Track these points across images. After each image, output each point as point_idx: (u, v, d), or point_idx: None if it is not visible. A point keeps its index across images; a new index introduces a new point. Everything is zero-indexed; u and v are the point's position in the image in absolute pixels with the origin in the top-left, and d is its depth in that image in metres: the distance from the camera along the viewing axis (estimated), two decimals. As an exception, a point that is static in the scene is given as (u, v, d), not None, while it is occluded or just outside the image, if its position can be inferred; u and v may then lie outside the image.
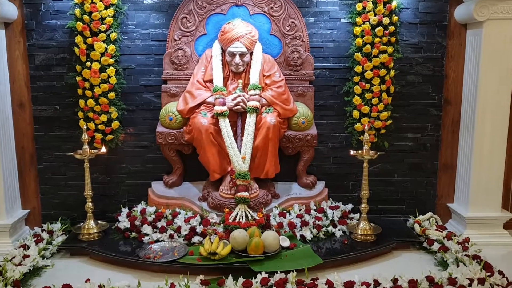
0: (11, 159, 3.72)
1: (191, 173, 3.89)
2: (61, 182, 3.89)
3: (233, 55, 3.52)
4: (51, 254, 3.40)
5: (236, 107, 3.53)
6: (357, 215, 3.73)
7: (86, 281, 2.85)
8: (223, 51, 3.61)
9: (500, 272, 2.90)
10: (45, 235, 3.54)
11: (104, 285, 2.79)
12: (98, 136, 3.73)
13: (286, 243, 3.31)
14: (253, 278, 2.86)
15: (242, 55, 3.52)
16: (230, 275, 2.87)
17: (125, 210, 3.72)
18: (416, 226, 3.70)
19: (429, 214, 3.86)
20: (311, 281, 2.82)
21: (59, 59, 3.71)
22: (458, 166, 3.95)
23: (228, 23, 3.55)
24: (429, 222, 3.77)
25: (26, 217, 3.85)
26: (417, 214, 3.90)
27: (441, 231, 3.58)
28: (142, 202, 3.80)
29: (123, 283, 2.84)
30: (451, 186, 4.02)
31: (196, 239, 3.38)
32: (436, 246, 3.39)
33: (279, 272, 2.90)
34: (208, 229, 3.36)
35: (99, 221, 3.64)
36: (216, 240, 3.16)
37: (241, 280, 2.81)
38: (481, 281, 2.78)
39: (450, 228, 3.82)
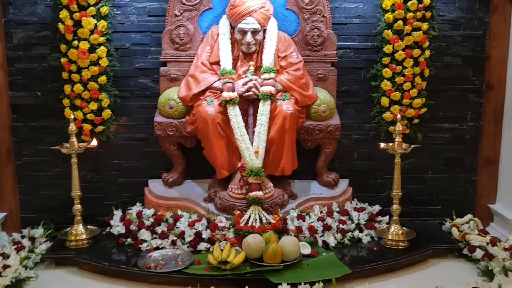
0: (-15, 154, 3.69)
1: (194, 170, 3.87)
2: (43, 180, 3.87)
3: (244, 32, 3.48)
4: (34, 264, 3.36)
5: (247, 93, 3.50)
6: (386, 218, 3.74)
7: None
8: (232, 28, 3.58)
9: (557, 282, 2.89)
10: (26, 242, 3.49)
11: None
12: (87, 127, 3.70)
13: (307, 250, 3.29)
14: (272, 290, 2.84)
15: (254, 32, 3.48)
16: (247, 287, 2.86)
17: (118, 213, 3.70)
18: (454, 231, 3.69)
19: (469, 216, 3.86)
20: (341, 294, 2.81)
21: (41, 38, 3.67)
22: (501, 161, 3.96)
23: (239, -5, 3.52)
24: (469, 226, 3.76)
25: (2, 221, 3.81)
26: (454, 216, 3.90)
27: (484, 236, 3.56)
28: (138, 203, 3.78)
29: (121, 296, 2.82)
30: (493, 184, 4.02)
31: (202, 246, 3.35)
32: (479, 253, 3.37)
33: (303, 283, 2.89)
34: (217, 235, 3.35)
35: (88, 226, 3.60)
36: (227, 247, 3.14)
37: (259, 292, 2.80)
38: (536, 293, 2.76)
39: (492, 232, 3.80)
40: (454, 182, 4.04)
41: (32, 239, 3.56)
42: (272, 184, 3.61)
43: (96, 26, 3.55)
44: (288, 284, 2.87)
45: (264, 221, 3.41)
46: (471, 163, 4.02)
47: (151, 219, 3.54)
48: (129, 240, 3.48)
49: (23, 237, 3.60)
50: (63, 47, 3.57)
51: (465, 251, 3.47)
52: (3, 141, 3.78)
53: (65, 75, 3.62)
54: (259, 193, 3.44)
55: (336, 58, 3.77)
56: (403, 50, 3.68)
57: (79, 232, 3.51)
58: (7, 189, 3.84)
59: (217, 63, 3.58)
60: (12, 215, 3.87)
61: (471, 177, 4.04)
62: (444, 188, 4.04)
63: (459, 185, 4.04)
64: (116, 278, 3.20)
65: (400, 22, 3.63)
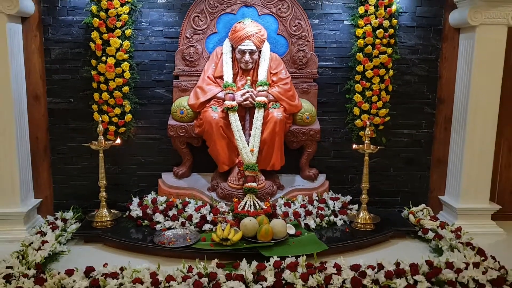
0: (26, 149, 3.73)
1: (200, 165, 3.94)
2: (74, 172, 3.92)
3: (243, 52, 3.61)
4: (66, 241, 3.42)
5: (245, 102, 3.61)
6: (356, 206, 3.85)
7: (104, 265, 2.89)
8: (233, 49, 3.69)
9: (493, 257, 3.06)
10: (59, 223, 3.57)
11: (125, 268, 2.86)
12: (112, 128, 3.77)
13: (292, 230, 3.41)
14: (265, 261, 2.94)
15: (251, 53, 3.61)
16: (244, 259, 2.95)
17: (136, 200, 3.77)
18: (411, 217, 3.83)
19: (422, 205, 4.02)
20: (320, 265, 2.93)
21: (75, 54, 3.74)
22: (449, 161, 4.09)
23: (239, 22, 3.64)
24: (423, 213, 3.91)
25: (38, 206, 3.86)
26: (411, 205, 4.03)
27: (435, 221, 3.73)
28: (152, 192, 3.85)
29: (143, 265, 2.90)
30: (443, 180, 4.15)
31: (206, 226, 3.45)
32: (431, 235, 3.51)
33: (290, 256, 3.00)
34: (218, 217, 3.46)
35: (111, 210, 3.68)
36: (228, 227, 3.25)
37: (254, 263, 2.90)
38: (476, 264, 2.92)
39: (441, 218, 3.94)
40: (411, 178, 4.16)
41: (64, 220, 3.64)
42: (264, 177, 3.71)
43: (121, 45, 3.63)
44: (278, 257, 2.97)
45: (258, 207, 3.51)
46: (425, 163, 4.14)
47: (164, 205, 3.64)
48: (145, 221, 3.56)
49: (56, 219, 3.67)
50: (93, 62, 3.65)
51: (420, 233, 3.60)
52: (41, 139, 3.83)
53: (94, 85, 3.70)
54: (254, 184, 3.55)
55: (317, 75, 3.88)
56: (372, 69, 3.80)
57: (104, 215, 3.59)
58: (43, 180, 3.89)
59: (220, 77, 3.68)
60: (46, 201, 3.92)
61: (425, 173, 4.15)
62: (403, 182, 4.16)
63: (415, 180, 4.16)
64: (135, 252, 3.29)
65: (369, 47, 3.77)
